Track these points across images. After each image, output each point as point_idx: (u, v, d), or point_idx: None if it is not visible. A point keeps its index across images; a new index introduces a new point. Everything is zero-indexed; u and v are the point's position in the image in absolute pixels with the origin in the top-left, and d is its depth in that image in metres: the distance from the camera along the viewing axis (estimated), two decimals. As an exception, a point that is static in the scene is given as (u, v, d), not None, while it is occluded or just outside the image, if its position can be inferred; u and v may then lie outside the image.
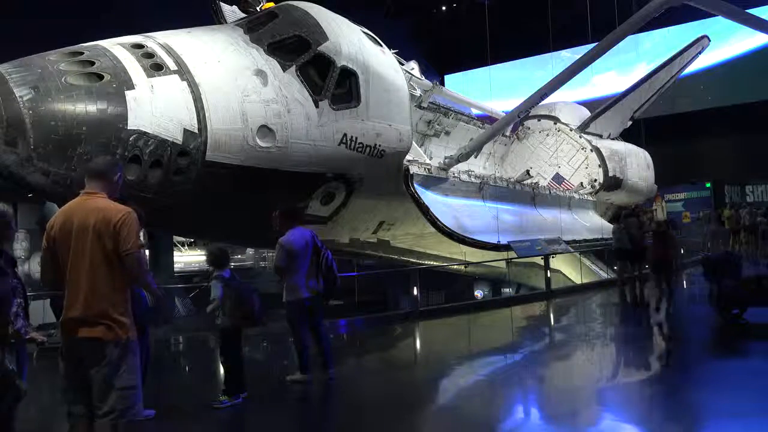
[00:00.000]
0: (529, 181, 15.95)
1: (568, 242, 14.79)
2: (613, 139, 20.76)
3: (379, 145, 9.40)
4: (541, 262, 13.62)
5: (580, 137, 18.83)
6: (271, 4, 10.09)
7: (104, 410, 3.11)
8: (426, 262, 13.30)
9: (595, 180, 18.54)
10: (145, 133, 6.74)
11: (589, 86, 26.46)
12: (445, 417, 5.47)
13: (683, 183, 28.76)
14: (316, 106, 8.50)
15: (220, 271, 5.75)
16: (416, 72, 14.83)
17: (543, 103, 14.48)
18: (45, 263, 3.27)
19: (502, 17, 25.49)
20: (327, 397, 6.26)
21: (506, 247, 12.90)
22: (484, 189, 13.83)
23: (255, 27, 8.76)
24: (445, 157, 12.86)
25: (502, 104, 21.18)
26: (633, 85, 21.13)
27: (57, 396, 3.25)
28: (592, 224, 18.38)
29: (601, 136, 19.88)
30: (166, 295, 10.57)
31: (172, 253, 17.39)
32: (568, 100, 21.52)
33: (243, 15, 10.63)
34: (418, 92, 13.67)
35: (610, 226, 14.46)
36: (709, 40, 22.08)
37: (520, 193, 15.60)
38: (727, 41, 27.24)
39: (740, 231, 20.34)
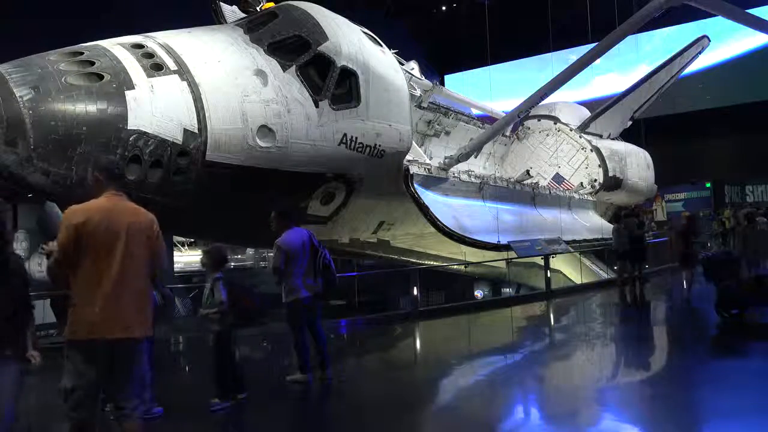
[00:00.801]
0: (529, 181, 15.95)
1: (568, 242, 14.79)
2: (613, 139, 20.75)
3: (379, 145, 9.40)
4: (541, 262, 13.61)
5: (580, 137, 18.83)
6: (271, 4, 10.10)
7: (131, 405, 3.19)
8: (426, 262, 13.30)
9: (595, 180, 18.54)
10: (145, 133, 6.75)
11: (590, 86, 26.44)
12: (445, 417, 5.47)
13: (683, 183, 28.77)
14: (316, 106, 8.50)
15: (216, 273, 5.60)
16: (416, 72, 14.84)
17: (543, 103, 14.50)
18: (62, 261, 3.18)
19: (502, 17, 25.45)
20: (327, 396, 6.26)
21: (506, 247, 12.90)
22: (484, 189, 13.83)
23: (255, 27, 8.76)
24: (445, 157, 12.86)
25: (502, 104, 21.17)
26: (633, 85, 21.12)
27: (55, 397, 3.22)
28: (592, 224, 18.37)
29: (601, 136, 19.88)
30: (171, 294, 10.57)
31: (172, 253, 17.42)
32: (569, 100, 21.51)
33: (243, 15, 10.63)
34: (418, 92, 13.67)
35: (610, 226, 14.44)
36: (709, 40, 22.08)
37: (520, 193, 15.59)
38: (727, 41, 27.23)
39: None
